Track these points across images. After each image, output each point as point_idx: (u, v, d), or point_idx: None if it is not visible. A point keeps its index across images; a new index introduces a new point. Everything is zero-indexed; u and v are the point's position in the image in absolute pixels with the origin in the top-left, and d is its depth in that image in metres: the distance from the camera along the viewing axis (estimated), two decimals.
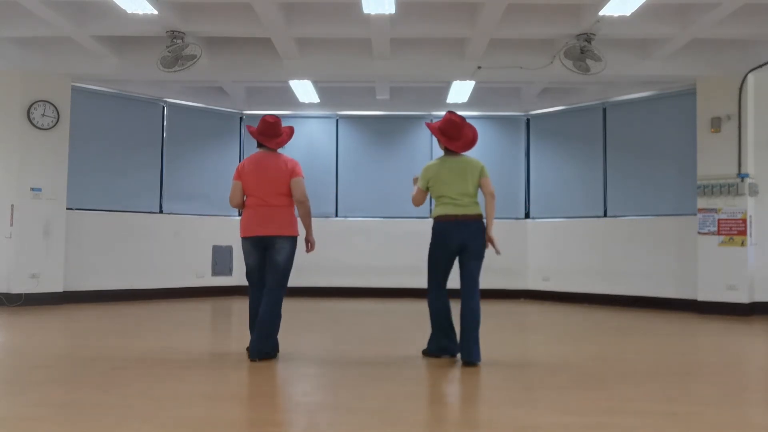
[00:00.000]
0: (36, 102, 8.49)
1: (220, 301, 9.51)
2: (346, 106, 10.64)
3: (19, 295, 8.25)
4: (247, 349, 4.92)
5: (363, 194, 10.61)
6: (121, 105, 9.53)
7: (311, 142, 10.66)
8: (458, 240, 4.80)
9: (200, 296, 9.93)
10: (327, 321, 7.52)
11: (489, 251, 4.92)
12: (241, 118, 10.74)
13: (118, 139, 9.43)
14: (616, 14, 6.93)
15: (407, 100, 10.50)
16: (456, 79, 9.00)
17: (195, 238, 10.07)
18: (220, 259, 10.33)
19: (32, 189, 8.43)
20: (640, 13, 6.98)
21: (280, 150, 5.07)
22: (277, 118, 5.02)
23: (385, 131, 10.73)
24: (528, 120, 10.61)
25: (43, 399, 3.56)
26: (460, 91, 9.54)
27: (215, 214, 10.23)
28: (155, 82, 9.46)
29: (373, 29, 7.46)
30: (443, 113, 9.36)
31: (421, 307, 5.15)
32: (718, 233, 8.24)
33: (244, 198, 4.96)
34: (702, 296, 8.33)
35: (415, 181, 5.08)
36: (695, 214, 8.48)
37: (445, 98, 9.97)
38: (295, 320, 7.03)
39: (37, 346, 5.49)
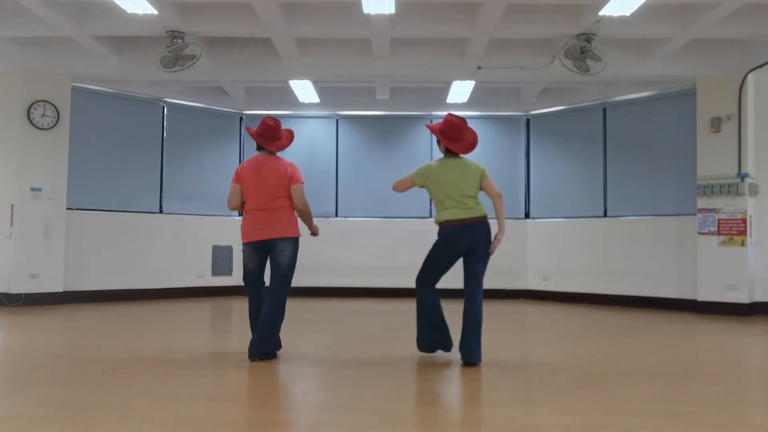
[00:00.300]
0: (36, 102, 8.49)
1: (220, 301, 9.51)
2: (346, 106, 10.64)
3: (19, 295, 8.25)
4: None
5: (363, 194, 10.61)
6: (121, 105, 9.53)
7: (311, 142, 10.66)
8: (466, 244, 4.81)
9: (200, 296, 9.93)
10: (327, 321, 7.52)
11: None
12: (241, 118, 10.74)
13: (118, 139, 9.43)
14: (616, 14, 6.93)
15: (407, 100, 10.50)
16: (456, 79, 9.00)
17: (195, 238, 10.07)
18: (220, 259, 10.34)
19: (32, 189, 8.43)
20: (640, 13, 6.98)
21: (279, 153, 5.06)
22: (277, 120, 4.99)
23: (385, 131, 10.73)
24: (528, 120, 10.61)
25: (43, 399, 3.56)
26: (460, 91, 9.54)
27: (215, 214, 10.23)
28: (155, 82, 9.46)
29: (373, 29, 7.46)
30: (443, 113, 9.35)
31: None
32: (718, 233, 8.24)
33: (243, 201, 4.95)
34: (702, 296, 8.33)
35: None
36: (695, 214, 8.49)
37: (445, 98, 9.97)
38: (295, 320, 7.03)
39: (37, 346, 5.49)
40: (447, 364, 4.69)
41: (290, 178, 4.89)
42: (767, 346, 6.14)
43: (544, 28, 7.53)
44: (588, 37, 7.47)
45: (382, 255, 10.34)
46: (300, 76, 8.93)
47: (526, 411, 3.47)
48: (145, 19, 7.18)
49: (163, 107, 9.97)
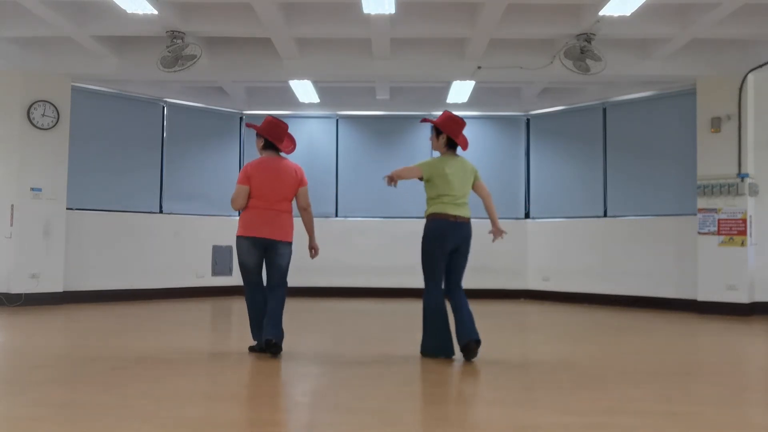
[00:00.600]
0: (36, 102, 8.49)
1: (220, 301, 9.51)
2: (346, 106, 10.64)
3: (19, 295, 8.25)
4: (251, 348, 5.03)
5: (363, 194, 10.61)
6: (121, 105, 9.53)
7: (311, 142, 10.66)
8: (455, 241, 4.90)
9: (200, 296, 9.93)
10: (327, 321, 7.52)
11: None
12: (241, 118, 10.74)
13: (118, 139, 9.43)
14: (616, 14, 6.93)
15: (407, 100, 10.50)
16: (456, 79, 9.00)
17: (195, 238, 10.07)
18: (220, 259, 10.33)
19: (32, 189, 8.43)
20: (640, 13, 6.98)
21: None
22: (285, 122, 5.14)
23: (385, 131, 10.73)
24: (528, 120, 10.61)
25: (43, 399, 3.56)
26: (460, 91, 9.54)
27: (215, 214, 10.23)
28: (155, 82, 9.46)
29: (373, 29, 7.46)
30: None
31: (421, 307, 5.14)
32: (718, 233, 8.24)
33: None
34: (702, 296, 8.33)
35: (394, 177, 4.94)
36: (695, 214, 8.49)
37: (445, 98, 9.97)
38: (296, 320, 7.03)
39: (37, 346, 5.49)
40: (447, 364, 4.69)
41: (300, 182, 5.07)
42: (767, 346, 6.14)
43: (544, 28, 7.53)
44: (588, 37, 7.47)
45: (382, 255, 10.34)
46: (300, 76, 8.93)
47: (526, 411, 3.47)
48: (145, 19, 7.18)
49: (163, 107, 9.97)
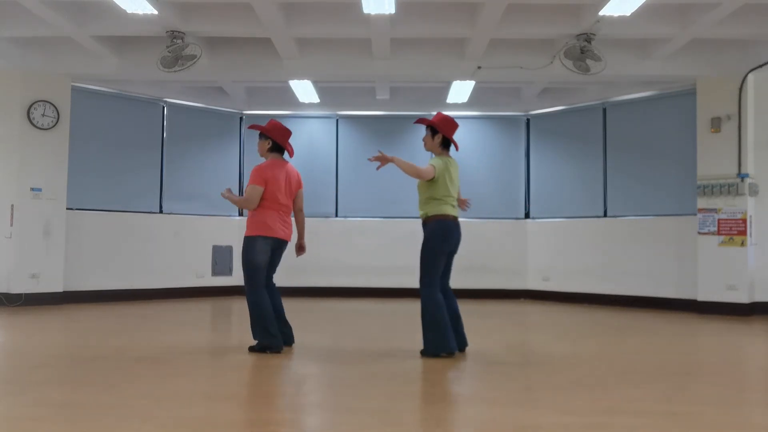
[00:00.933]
0: (36, 102, 8.49)
1: (220, 301, 9.51)
2: (346, 106, 10.64)
3: (19, 295, 8.25)
4: (252, 349, 5.07)
5: (363, 194, 10.61)
6: (121, 105, 9.53)
7: (311, 142, 10.67)
8: (456, 242, 5.04)
9: (200, 296, 9.93)
10: (327, 321, 7.52)
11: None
12: (241, 118, 10.74)
13: (118, 139, 9.43)
14: (616, 14, 6.93)
15: (407, 100, 10.50)
16: (456, 79, 9.00)
17: (195, 238, 10.07)
18: (220, 259, 10.34)
19: (32, 189, 8.43)
20: (640, 13, 6.98)
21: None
22: None
23: (385, 131, 10.73)
24: (528, 120, 10.61)
25: (43, 399, 3.56)
26: (460, 91, 9.54)
27: (215, 214, 10.24)
28: (155, 82, 9.46)
29: (373, 29, 7.46)
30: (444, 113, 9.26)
31: (420, 307, 5.14)
32: (718, 233, 8.24)
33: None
34: (702, 296, 8.33)
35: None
36: (695, 214, 8.49)
37: (445, 98, 9.97)
38: (295, 320, 7.01)
39: (37, 346, 5.49)
40: (446, 364, 4.69)
41: (299, 184, 5.36)
42: (767, 346, 6.14)
43: (544, 28, 7.53)
44: (588, 37, 7.47)
45: (382, 255, 10.34)
46: (300, 76, 8.93)
47: (526, 411, 3.47)
48: (145, 19, 7.18)
49: (163, 107, 9.97)
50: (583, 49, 7.50)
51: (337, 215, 10.66)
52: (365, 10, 6.81)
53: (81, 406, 3.42)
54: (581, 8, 7.23)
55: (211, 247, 10.26)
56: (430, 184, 4.94)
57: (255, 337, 5.09)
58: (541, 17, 7.41)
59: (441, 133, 5.07)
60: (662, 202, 9.03)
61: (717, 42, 8.06)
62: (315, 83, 9.39)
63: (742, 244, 8.10)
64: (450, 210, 4.98)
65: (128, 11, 6.94)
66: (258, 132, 5.36)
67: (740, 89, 8.21)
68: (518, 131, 10.65)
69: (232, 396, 3.80)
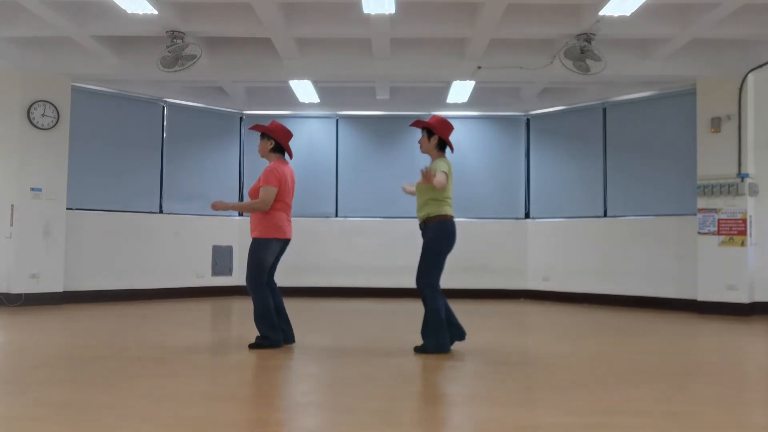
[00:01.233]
0: (36, 102, 8.49)
1: (220, 301, 9.51)
2: (346, 106, 10.64)
3: (19, 295, 8.25)
4: (254, 346, 5.18)
5: (363, 194, 10.61)
6: (121, 105, 9.53)
7: (311, 142, 10.66)
8: (455, 241, 5.13)
9: (200, 296, 9.93)
10: (327, 321, 7.52)
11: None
12: (241, 118, 10.74)
13: (118, 139, 9.43)
14: (616, 14, 6.93)
15: (407, 100, 10.50)
16: (456, 79, 9.00)
17: (195, 238, 10.07)
18: (220, 259, 10.33)
19: (32, 189, 8.43)
20: (640, 13, 6.98)
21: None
22: None
23: (385, 131, 10.73)
24: (528, 120, 10.61)
25: (43, 399, 3.56)
26: (460, 91, 9.54)
27: (215, 214, 10.22)
28: (155, 82, 9.46)
29: (373, 29, 7.46)
30: (444, 113, 9.47)
31: (421, 307, 5.15)
32: (718, 233, 8.24)
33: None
34: (702, 296, 8.33)
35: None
36: (695, 214, 8.49)
37: (445, 98, 9.97)
38: (295, 320, 7.01)
39: (37, 346, 5.49)
40: (447, 364, 4.69)
41: (294, 183, 5.47)
42: (767, 346, 6.14)
43: (544, 28, 7.53)
44: (588, 37, 7.47)
45: (382, 255, 10.34)
46: (300, 76, 8.93)
47: (526, 411, 3.47)
48: (145, 19, 7.18)
49: (163, 107, 9.97)
50: (583, 49, 7.50)
51: (337, 215, 10.65)
52: (365, 10, 6.80)
53: (81, 406, 3.42)
54: (581, 8, 7.23)
55: (211, 247, 10.26)
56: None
57: (261, 332, 5.21)
58: (541, 17, 7.41)
59: (437, 135, 5.12)
60: (662, 202, 9.03)
61: (717, 42, 8.06)
62: (315, 83, 9.38)
63: (742, 244, 8.10)
64: (450, 210, 5.08)
65: (128, 11, 6.94)
66: (257, 132, 5.42)
67: (740, 89, 8.21)
68: (518, 131, 10.65)
69: (232, 396, 3.80)
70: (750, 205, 8.17)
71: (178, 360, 4.77)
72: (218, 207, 5.12)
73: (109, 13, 7.22)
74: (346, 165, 10.73)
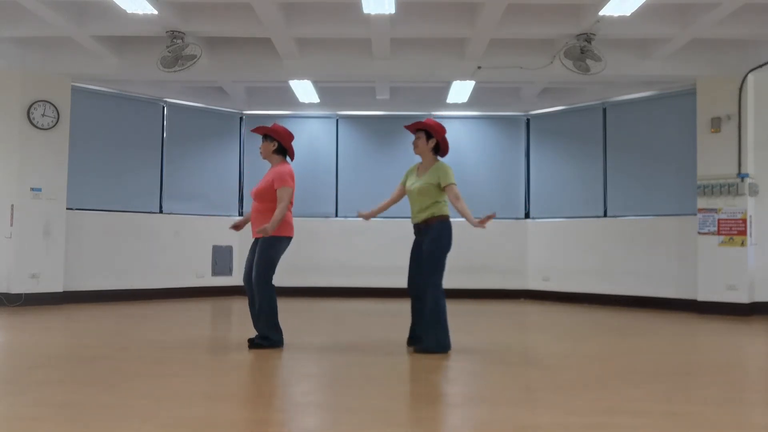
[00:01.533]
0: (36, 102, 8.49)
1: (220, 301, 9.51)
2: (346, 106, 10.64)
3: (19, 295, 8.25)
4: (260, 342, 5.22)
5: (363, 194, 10.59)
6: (121, 105, 9.54)
7: (311, 142, 10.66)
8: None
9: (200, 296, 9.93)
10: (327, 321, 7.52)
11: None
12: (241, 118, 10.74)
13: (118, 139, 9.43)
14: (616, 14, 6.93)
15: (407, 100, 10.49)
16: (456, 79, 9.00)
17: (195, 238, 10.07)
18: (220, 259, 10.33)
19: (32, 189, 8.43)
20: (640, 13, 6.98)
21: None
22: None
23: (385, 131, 10.72)
24: (528, 120, 10.61)
25: (43, 399, 3.56)
26: (460, 91, 9.54)
27: (215, 214, 10.23)
28: (155, 82, 9.46)
29: (373, 29, 7.46)
30: (443, 113, 9.49)
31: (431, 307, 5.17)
32: (718, 233, 8.24)
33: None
34: (702, 296, 8.33)
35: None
36: (695, 214, 8.49)
37: (445, 98, 9.97)
38: (295, 320, 7.03)
39: (37, 346, 5.49)
40: (447, 364, 4.69)
41: None
42: (767, 346, 6.14)
43: (544, 28, 7.53)
44: (588, 37, 7.47)
45: (382, 255, 10.33)
46: (300, 76, 8.93)
47: (526, 411, 3.47)
48: (145, 19, 7.18)
49: (163, 107, 9.97)
50: (583, 49, 7.50)
51: (337, 215, 10.65)
52: (365, 10, 6.81)
53: (81, 406, 3.42)
54: (581, 8, 7.23)
55: (211, 247, 10.26)
56: (441, 190, 5.10)
57: (262, 332, 5.18)
58: (541, 17, 7.41)
59: (435, 138, 5.18)
60: (662, 202, 9.03)
61: (717, 42, 8.06)
62: (315, 83, 9.39)
63: (742, 244, 8.10)
64: (448, 210, 5.16)
65: (128, 11, 6.94)
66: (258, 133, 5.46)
67: (740, 89, 8.21)
68: (518, 131, 10.65)
69: (232, 396, 3.80)
70: (750, 205, 8.17)
71: (178, 360, 4.77)
72: (270, 231, 5.12)
73: (109, 13, 7.22)
74: (346, 165, 10.73)
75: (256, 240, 5.31)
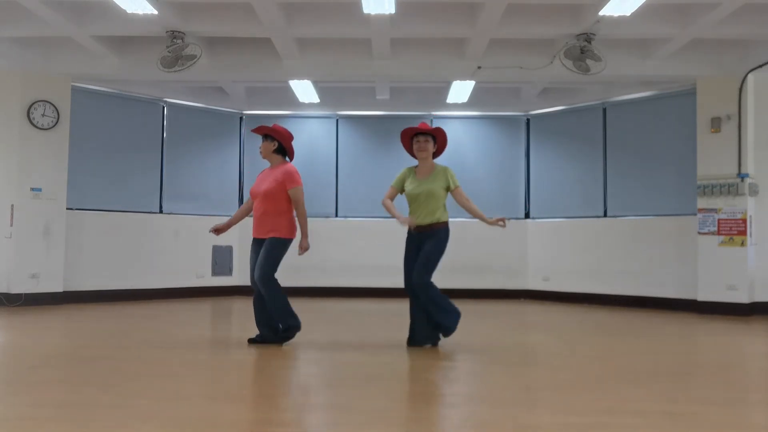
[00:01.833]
0: (36, 102, 8.48)
1: (220, 301, 9.51)
2: (346, 106, 10.64)
3: (19, 295, 8.25)
4: (285, 334, 5.35)
5: (363, 194, 10.60)
6: (121, 105, 9.53)
7: (311, 142, 10.66)
8: None
9: (200, 296, 9.93)
10: (327, 321, 7.52)
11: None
12: (241, 118, 10.73)
13: (118, 139, 9.43)
14: (616, 14, 6.93)
15: (407, 100, 10.49)
16: (456, 79, 9.00)
17: (195, 238, 10.06)
18: (220, 259, 10.33)
19: (32, 189, 8.42)
20: (640, 13, 6.98)
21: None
22: None
23: (385, 131, 10.71)
24: (528, 120, 10.61)
25: (43, 399, 3.57)
26: (460, 91, 9.53)
27: (215, 214, 10.19)
28: (155, 82, 9.45)
29: (373, 29, 7.46)
30: (443, 113, 9.53)
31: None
32: (718, 233, 8.24)
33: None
34: (702, 296, 8.33)
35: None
36: (695, 214, 8.48)
37: (445, 98, 9.97)
38: None
39: (37, 346, 5.49)
40: (447, 364, 4.69)
41: None
42: (767, 346, 6.14)
43: (544, 28, 7.53)
44: (588, 37, 7.47)
45: (382, 255, 10.30)
46: (300, 76, 8.93)
47: (526, 411, 3.47)
48: (145, 19, 7.18)
49: (163, 107, 9.97)
50: (583, 49, 7.50)
51: (337, 215, 10.65)
52: (365, 10, 6.80)
53: (81, 406, 3.42)
54: (581, 8, 7.22)
55: (211, 247, 10.25)
56: (446, 194, 5.24)
57: (282, 324, 5.29)
58: (541, 17, 7.41)
59: (436, 144, 5.37)
60: (662, 202, 9.02)
61: (717, 42, 8.06)
62: (315, 83, 9.38)
63: (742, 244, 8.10)
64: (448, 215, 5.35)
65: (128, 11, 6.94)
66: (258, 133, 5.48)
67: (740, 89, 8.21)
68: (518, 131, 10.65)
69: (232, 396, 3.80)
70: (750, 205, 8.17)
71: (178, 360, 4.78)
72: (306, 246, 5.34)
73: (109, 13, 7.21)
74: (346, 165, 10.73)
75: (257, 240, 5.31)
